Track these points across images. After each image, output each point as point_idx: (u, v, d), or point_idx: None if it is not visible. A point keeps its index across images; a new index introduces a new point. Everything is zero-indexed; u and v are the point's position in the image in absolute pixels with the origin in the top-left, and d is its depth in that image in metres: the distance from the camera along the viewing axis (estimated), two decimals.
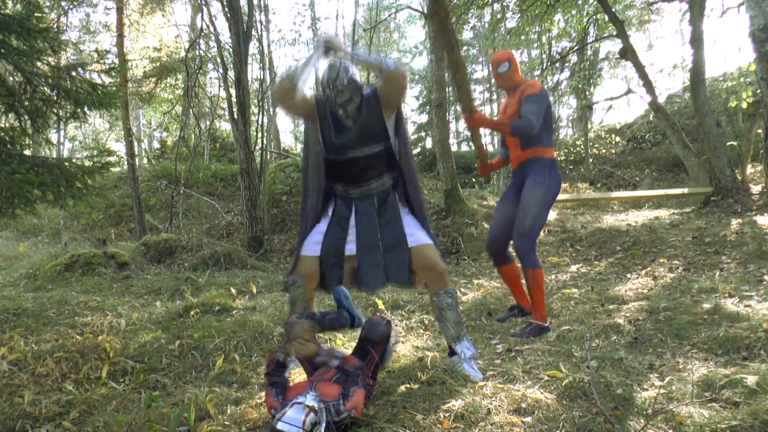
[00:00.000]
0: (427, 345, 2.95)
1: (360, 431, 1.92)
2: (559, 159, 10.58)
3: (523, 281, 3.29)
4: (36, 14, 3.16)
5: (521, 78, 3.36)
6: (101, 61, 3.97)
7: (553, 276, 4.52)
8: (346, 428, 1.88)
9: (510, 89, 3.36)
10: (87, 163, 3.51)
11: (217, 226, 8.88)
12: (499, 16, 10.21)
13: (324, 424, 1.77)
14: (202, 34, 9.00)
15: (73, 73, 3.46)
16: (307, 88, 2.34)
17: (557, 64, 11.79)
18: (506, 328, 3.21)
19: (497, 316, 3.56)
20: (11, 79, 3.40)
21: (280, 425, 1.74)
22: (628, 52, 7.21)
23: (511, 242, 3.27)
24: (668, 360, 2.35)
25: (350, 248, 2.39)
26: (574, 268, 4.85)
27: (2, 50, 3.05)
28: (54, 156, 12.49)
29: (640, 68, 7.20)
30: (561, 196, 6.59)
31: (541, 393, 2.03)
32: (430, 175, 11.91)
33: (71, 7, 9.96)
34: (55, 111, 3.50)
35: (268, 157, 14.36)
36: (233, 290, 4.33)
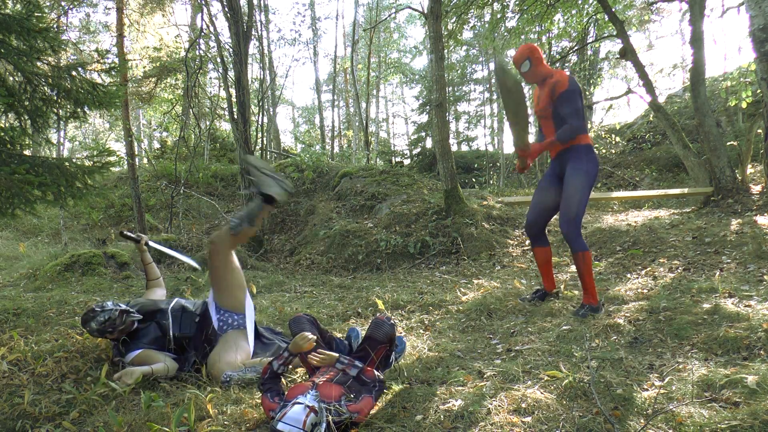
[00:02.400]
0: (427, 345, 2.95)
1: (360, 431, 1.92)
2: None
3: (561, 267, 3.46)
4: (36, 14, 3.15)
5: (548, 69, 3.40)
6: (101, 61, 3.97)
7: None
8: (346, 429, 1.88)
9: (539, 82, 3.42)
10: (87, 163, 3.50)
11: (217, 226, 8.87)
12: (499, 16, 10.20)
13: (324, 425, 1.77)
14: (202, 34, 8.98)
15: (74, 73, 3.45)
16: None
17: (557, 64, 11.78)
18: (506, 328, 3.21)
19: (522, 296, 3.76)
20: (11, 79, 3.39)
21: (280, 425, 1.74)
22: (628, 52, 7.21)
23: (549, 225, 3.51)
24: (668, 360, 2.35)
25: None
26: (574, 268, 4.84)
27: (2, 50, 3.05)
28: (54, 156, 12.49)
29: (640, 68, 7.19)
30: None
31: (541, 393, 2.03)
32: (430, 175, 11.89)
33: (71, 7, 9.95)
34: (55, 111, 3.50)
35: (268, 157, 14.36)
36: None
